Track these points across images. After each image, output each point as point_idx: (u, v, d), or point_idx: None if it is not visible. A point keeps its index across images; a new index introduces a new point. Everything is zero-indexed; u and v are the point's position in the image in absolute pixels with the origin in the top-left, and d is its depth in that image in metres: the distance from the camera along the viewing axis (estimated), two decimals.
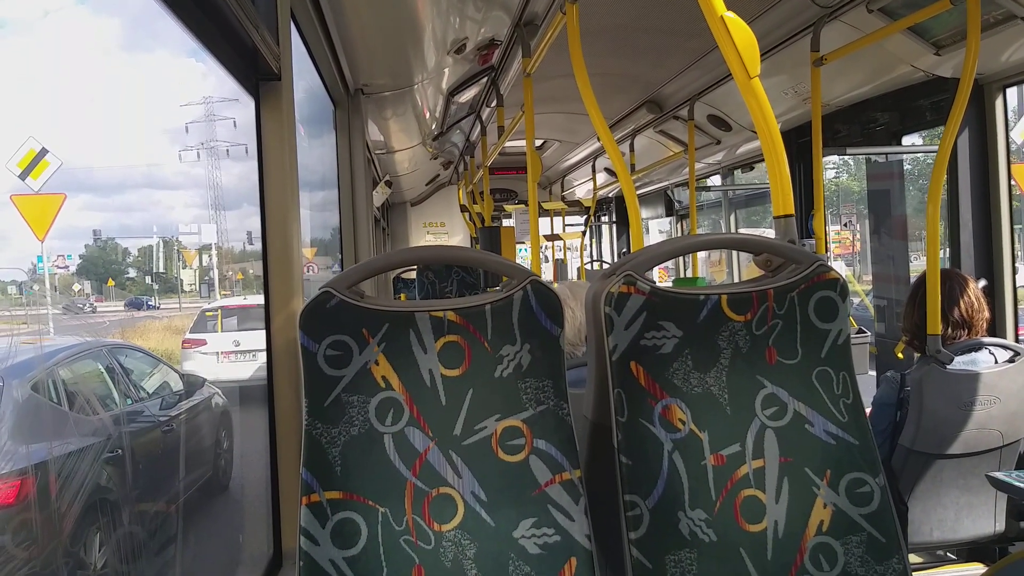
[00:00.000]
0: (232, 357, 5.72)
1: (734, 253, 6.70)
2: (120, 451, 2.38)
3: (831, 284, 1.41)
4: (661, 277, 8.56)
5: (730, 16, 1.51)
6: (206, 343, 5.77)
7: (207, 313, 6.03)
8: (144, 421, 2.94)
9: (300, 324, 1.32)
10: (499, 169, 8.62)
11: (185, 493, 3.00)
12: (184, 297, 5.57)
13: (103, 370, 2.86)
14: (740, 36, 1.50)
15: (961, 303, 2.58)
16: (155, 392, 3.33)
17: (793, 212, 1.54)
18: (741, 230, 7.32)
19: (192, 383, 3.76)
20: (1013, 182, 3.24)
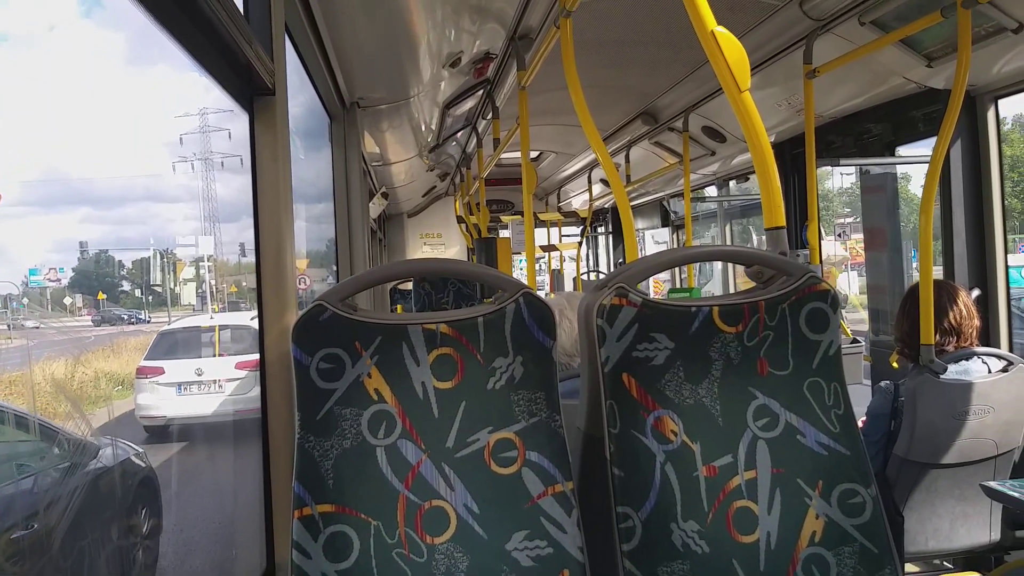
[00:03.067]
0: (194, 388, 4.86)
1: (729, 266, 6.71)
2: None
3: (822, 295, 1.42)
4: (656, 288, 8.58)
5: (720, 31, 1.53)
6: (163, 372, 4.95)
7: (207, 328, 5.33)
8: None
9: (293, 337, 1.32)
10: (495, 180, 8.64)
11: None
12: (175, 311, 5.36)
13: None
14: (730, 50, 1.52)
15: (951, 312, 2.59)
16: (17, 471, 2.38)
17: (784, 224, 1.55)
18: (736, 242, 7.34)
19: (84, 450, 2.69)
20: None
